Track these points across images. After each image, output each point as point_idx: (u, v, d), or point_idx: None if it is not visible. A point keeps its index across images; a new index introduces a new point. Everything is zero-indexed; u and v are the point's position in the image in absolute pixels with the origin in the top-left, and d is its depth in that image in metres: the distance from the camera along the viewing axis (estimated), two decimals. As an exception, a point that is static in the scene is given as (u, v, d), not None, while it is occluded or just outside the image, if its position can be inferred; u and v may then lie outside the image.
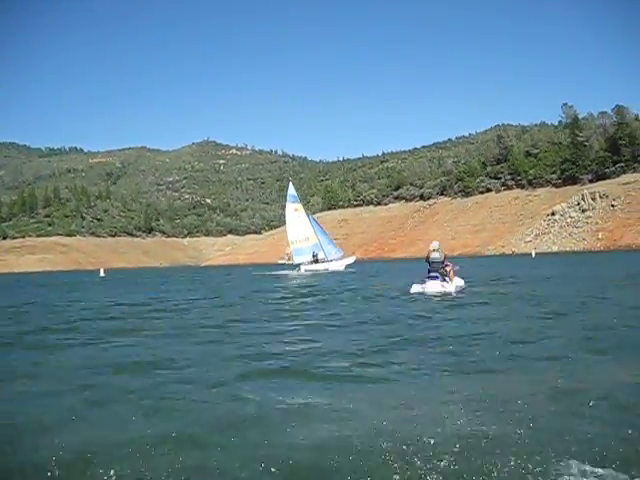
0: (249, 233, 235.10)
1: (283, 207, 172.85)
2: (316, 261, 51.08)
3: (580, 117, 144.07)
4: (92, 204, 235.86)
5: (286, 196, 55.65)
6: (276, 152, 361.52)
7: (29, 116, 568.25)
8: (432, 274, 19.47)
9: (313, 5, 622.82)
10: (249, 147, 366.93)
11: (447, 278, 19.49)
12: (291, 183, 58.28)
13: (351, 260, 54.78)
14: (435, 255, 19.60)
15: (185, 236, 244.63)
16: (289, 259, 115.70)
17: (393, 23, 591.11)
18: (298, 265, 50.93)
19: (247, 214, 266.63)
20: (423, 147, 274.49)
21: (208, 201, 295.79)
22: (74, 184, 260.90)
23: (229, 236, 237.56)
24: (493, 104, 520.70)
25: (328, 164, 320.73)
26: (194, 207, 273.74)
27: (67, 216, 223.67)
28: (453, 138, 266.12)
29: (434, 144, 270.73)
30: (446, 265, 19.75)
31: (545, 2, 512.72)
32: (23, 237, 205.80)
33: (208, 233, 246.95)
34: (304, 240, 52.40)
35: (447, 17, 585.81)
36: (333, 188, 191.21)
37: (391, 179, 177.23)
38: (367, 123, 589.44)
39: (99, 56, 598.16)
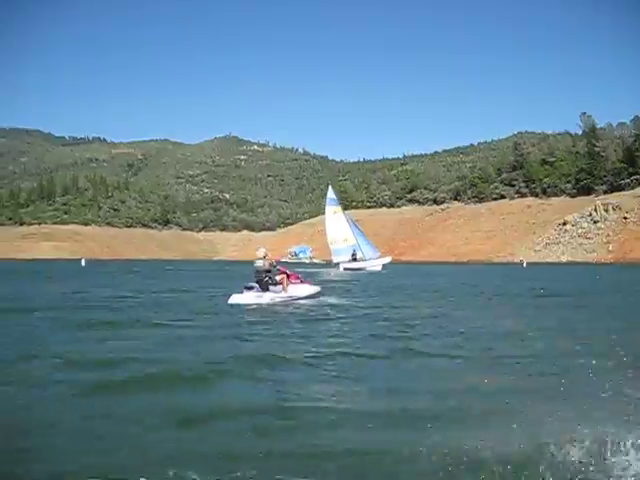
0: (264, 230, 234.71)
1: (300, 205, 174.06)
2: (355, 260, 53.31)
3: (599, 127, 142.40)
4: (110, 194, 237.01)
5: (326, 199, 58.32)
6: (297, 150, 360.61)
7: (54, 104, 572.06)
8: (249, 284, 19.13)
9: (343, 4, 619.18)
10: (270, 144, 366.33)
11: (280, 287, 19.15)
12: (330, 187, 61.32)
13: (387, 260, 56.70)
14: (258, 263, 19.12)
15: (200, 230, 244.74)
16: (290, 258, 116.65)
17: (417, 27, 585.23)
18: (337, 264, 52.84)
19: (263, 210, 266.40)
20: (444, 151, 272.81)
21: (227, 196, 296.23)
22: (94, 174, 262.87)
23: (244, 232, 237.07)
24: (515, 111, 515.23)
25: (348, 164, 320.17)
26: (212, 201, 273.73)
27: (84, 205, 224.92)
28: (475, 143, 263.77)
29: (455, 148, 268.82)
30: (281, 273, 19.40)
31: (569, 11, 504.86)
32: (39, 224, 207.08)
33: (224, 228, 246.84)
34: (342, 241, 55.16)
35: (468, 22, 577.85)
36: (347, 188, 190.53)
37: (406, 181, 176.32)
38: (390, 125, 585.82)
39: (127, 47, 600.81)
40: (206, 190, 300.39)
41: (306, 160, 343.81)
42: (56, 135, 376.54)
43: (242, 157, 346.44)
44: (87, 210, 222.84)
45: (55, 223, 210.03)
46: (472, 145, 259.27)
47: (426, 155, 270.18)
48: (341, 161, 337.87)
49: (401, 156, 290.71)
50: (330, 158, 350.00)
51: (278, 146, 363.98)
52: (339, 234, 55.60)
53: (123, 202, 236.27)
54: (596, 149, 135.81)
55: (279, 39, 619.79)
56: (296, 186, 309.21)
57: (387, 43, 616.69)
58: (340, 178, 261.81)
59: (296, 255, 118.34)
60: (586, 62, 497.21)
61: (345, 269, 51.03)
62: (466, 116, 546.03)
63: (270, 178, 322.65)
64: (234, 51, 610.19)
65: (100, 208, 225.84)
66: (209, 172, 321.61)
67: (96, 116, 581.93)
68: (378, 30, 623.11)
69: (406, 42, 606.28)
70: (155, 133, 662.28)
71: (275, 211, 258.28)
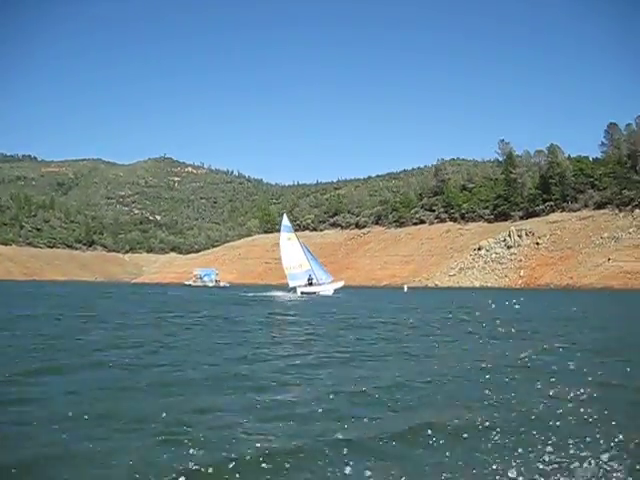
0: (192, 252, 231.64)
1: (232, 228, 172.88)
2: (310, 284, 54.44)
3: (516, 154, 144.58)
4: (33, 213, 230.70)
5: (280, 226, 60.09)
6: (232, 172, 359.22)
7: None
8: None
9: (277, 26, 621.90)
10: (205, 166, 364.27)
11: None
12: (285, 215, 64.08)
13: (339, 285, 58.17)
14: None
15: (127, 252, 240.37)
16: (195, 281, 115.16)
17: (353, 47, 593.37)
18: (294, 288, 54.09)
19: (192, 233, 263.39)
20: (377, 176, 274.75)
21: (158, 217, 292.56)
22: (18, 192, 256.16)
23: (172, 254, 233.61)
24: (451, 138, 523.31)
25: (283, 187, 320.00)
26: (140, 223, 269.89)
27: (5, 224, 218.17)
28: (409, 168, 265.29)
29: (388, 174, 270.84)
30: None
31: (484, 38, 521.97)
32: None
33: (150, 250, 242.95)
34: (298, 266, 55.73)
35: (403, 53, 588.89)
36: (270, 212, 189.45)
37: (329, 206, 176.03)
38: (324, 147, 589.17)
39: (63, 66, 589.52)
40: (136, 211, 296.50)
41: (240, 183, 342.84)
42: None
43: (176, 179, 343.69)
44: (8, 229, 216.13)
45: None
46: (406, 170, 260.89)
47: (359, 180, 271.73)
48: (276, 184, 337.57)
49: (335, 180, 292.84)
50: (265, 181, 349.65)
51: (213, 168, 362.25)
52: (294, 260, 56.42)
53: (47, 222, 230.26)
54: (512, 176, 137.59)
55: (213, 60, 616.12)
56: (229, 209, 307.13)
57: (322, 62, 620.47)
58: (273, 201, 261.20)
59: (201, 278, 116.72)
60: (510, 89, 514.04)
61: (302, 293, 52.60)
62: (402, 141, 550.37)
63: (203, 200, 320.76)
64: (170, 72, 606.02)
65: (22, 227, 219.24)
66: (140, 193, 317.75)
67: (27, 134, 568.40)
68: (314, 49, 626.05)
69: (340, 61, 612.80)
70: (88, 152, 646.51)
71: (204, 233, 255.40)
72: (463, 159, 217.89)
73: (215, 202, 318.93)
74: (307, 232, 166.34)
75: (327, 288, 55.10)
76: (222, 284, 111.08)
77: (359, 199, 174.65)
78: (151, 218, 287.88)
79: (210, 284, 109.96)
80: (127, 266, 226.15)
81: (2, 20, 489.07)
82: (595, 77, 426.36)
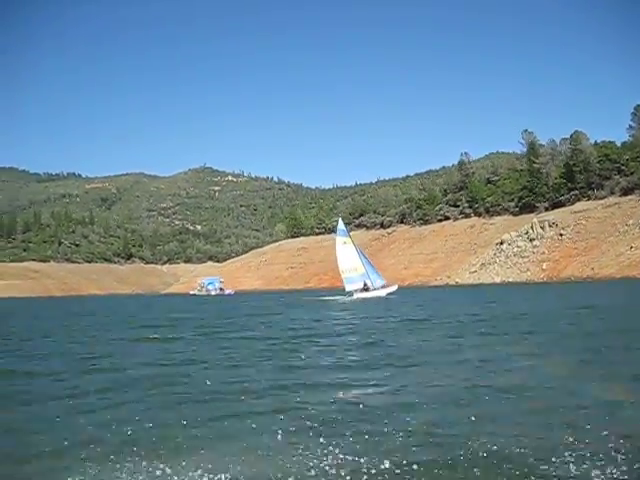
0: (229, 259, 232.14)
1: (270, 234, 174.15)
2: (366, 289, 55.53)
3: (539, 144, 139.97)
4: (72, 230, 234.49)
5: (336, 230, 60.93)
6: (272, 179, 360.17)
7: (30, 141, 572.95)
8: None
9: (311, 30, 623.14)
10: (245, 174, 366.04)
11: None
12: (341, 219, 64.17)
13: (393, 289, 58.98)
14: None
15: (165, 263, 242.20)
16: (200, 290, 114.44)
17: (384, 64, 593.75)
18: (350, 292, 55.23)
19: (229, 241, 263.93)
20: (416, 174, 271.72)
21: (198, 227, 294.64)
22: (64, 209, 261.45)
23: (209, 263, 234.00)
24: (487, 132, 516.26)
25: (323, 191, 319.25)
26: (180, 233, 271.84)
27: (45, 242, 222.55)
28: (450, 165, 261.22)
29: (427, 172, 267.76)
30: None
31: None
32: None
33: (188, 260, 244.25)
34: (353, 270, 56.39)
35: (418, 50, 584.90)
36: (297, 215, 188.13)
37: (354, 207, 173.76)
38: (363, 149, 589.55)
39: (100, 82, 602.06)
40: (177, 222, 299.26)
41: (280, 189, 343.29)
42: (31, 172, 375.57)
43: (216, 188, 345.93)
44: (47, 246, 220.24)
45: (13, 261, 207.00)
46: (445, 167, 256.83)
47: (398, 179, 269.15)
48: (316, 188, 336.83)
49: (374, 181, 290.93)
50: (305, 186, 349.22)
51: (253, 175, 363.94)
52: (349, 264, 56.84)
53: (86, 237, 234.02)
54: (535, 166, 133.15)
55: (249, 66, 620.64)
56: (269, 215, 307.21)
57: (359, 65, 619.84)
58: (312, 205, 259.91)
59: (205, 287, 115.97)
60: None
61: (358, 298, 53.93)
62: (443, 138, 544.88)
63: (243, 208, 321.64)
64: (207, 81, 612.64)
65: (60, 244, 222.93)
66: (182, 204, 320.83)
67: (71, 152, 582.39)
68: (354, 51, 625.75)
69: (378, 66, 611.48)
70: (130, 167, 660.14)
71: (241, 241, 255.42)
72: (491, 153, 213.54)
73: (255, 209, 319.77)
74: (333, 234, 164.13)
75: (381, 293, 56.30)
76: (227, 292, 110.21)
77: (385, 199, 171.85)
78: (191, 228, 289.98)
79: (213, 292, 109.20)
80: (164, 277, 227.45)
81: (45, 37, 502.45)
82: (622, 59, 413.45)
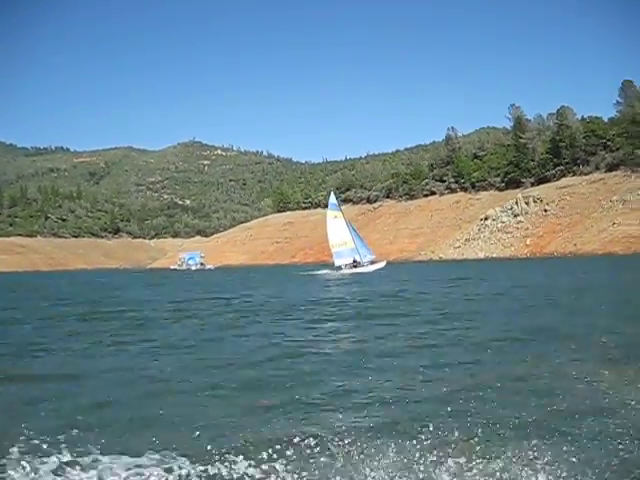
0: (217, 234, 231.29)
1: (258, 209, 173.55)
2: (355, 265, 57.09)
3: (526, 118, 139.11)
4: (59, 204, 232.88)
5: (324, 205, 63.48)
6: (262, 153, 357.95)
7: (17, 115, 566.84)
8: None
9: (298, 8, 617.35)
10: (235, 148, 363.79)
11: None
12: (332, 193, 65.73)
13: (382, 264, 59.59)
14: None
15: (152, 237, 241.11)
16: (180, 265, 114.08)
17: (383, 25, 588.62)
18: (339, 267, 57.07)
19: (218, 215, 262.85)
20: (406, 149, 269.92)
21: (187, 202, 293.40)
22: (50, 184, 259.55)
23: (197, 237, 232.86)
24: (477, 108, 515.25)
25: (312, 165, 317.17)
26: (168, 208, 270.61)
27: (32, 216, 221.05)
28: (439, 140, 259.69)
29: (417, 146, 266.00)
30: None
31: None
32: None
33: (176, 234, 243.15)
34: (342, 244, 58.01)
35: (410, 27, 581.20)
36: (283, 190, 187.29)
37: (342, 181, 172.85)
38: (353, 124, 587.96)
39: (90, 57, 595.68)
40: (166, 197, 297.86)
41: (270, 163, 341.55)
42: (19, 146, 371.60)
43: (205, 162, 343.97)
44: (34, 221, 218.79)
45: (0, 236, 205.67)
46: (435, 142, 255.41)
47: (387, 154, 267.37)
48: (306, 162, 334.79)
49: (364, 155, 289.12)
50: (295, 160, 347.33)
51: (242, 150, 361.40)
52: (339, 238, 58.53)
53: (73, 212, 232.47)
54: (521, 141, 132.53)
55: (240, 42, 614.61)
56: (258, 190, 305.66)
57: (351, 42, 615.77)
58: (301, 180, 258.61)
59: (185, 262, 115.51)
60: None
61: (345, 273, 55.27)
62: (437, 111, 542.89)
63: (232, 182, 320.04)
64: (196, 55, 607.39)
65: (47, 219, 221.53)
66: (170, 178, 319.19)
67: (59, 126, 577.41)
68: (342, 29, 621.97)
69: (369, 43, 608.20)
70: (119, 141, 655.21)
71: (229, 215, 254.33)
72: (481, 128, 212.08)
73: (244, 184, 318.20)
74: (319, 209, 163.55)
75: (369, 269, 56.79)
76: (207, 267, 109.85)
77: (372, 173, 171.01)
78: (180, 203, 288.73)
79: (193, 267, 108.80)
80: (152, 252, 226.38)
81: (31, 15, 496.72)
82: (611, 36, 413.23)
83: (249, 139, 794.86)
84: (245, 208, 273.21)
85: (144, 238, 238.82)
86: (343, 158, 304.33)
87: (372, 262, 59.61)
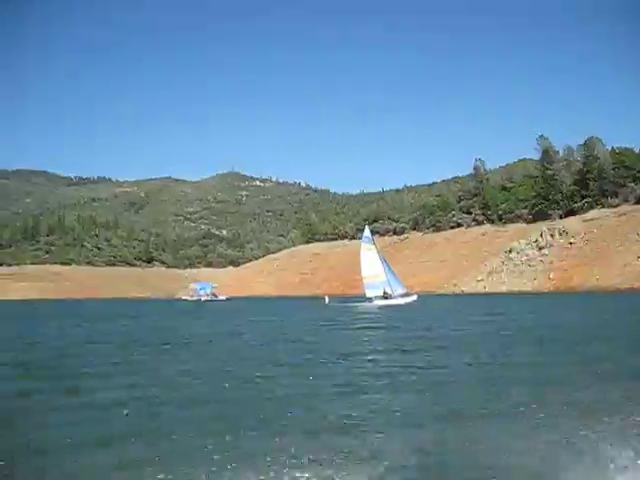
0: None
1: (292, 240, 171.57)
2: (386, 297, 57.62)
3: (555, 149, 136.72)
4: (95, 234, 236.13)
5: (362, 238, 64.13)
6: (299, 184, 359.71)
7: (62, 145, 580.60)
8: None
9: (343, 32, 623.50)
10: (273, 179, 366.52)
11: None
12: (367, 227, 68.22)
13: (413, 298, 60.11)
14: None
15: (186, 267, 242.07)
16: (192, 295, 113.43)
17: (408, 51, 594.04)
18: (370, 298, 58.02)
19: (252, 246, 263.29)
20: (443, 181, 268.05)
21: (224, 232, 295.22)
22: (88, 213, 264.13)
23: (229, 268, 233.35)
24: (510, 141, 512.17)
25: (349, 196, 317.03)
26: (203, 238, 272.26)
27: (68, 245, 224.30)
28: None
29: (453, 178, 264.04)
30: None
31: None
32: (18, 265, 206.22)
33: (209, 264, 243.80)
34: (374, 276, 58.79)
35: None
36: (312, 221, 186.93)
37: (369, 213, 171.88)
38: (391, 155, 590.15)
39: (134, 87, 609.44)
40: (203, 227, 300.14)
41: (307, 194, 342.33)
42: (62, 175, 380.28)
43: (243, 193, 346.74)
44: (70, 250, 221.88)
45: (34, 263, 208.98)
46: (463, 176, 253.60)
47: (423, 185, 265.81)
48: (343, 194, 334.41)
49: (401, 187, 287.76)
50: (332, 191, 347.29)
51: (281, 181, 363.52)
52: (372, 270, 59.39)
53: (108, 241, 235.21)
54: (548, 172, 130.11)
55: (276, 72, 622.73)
56: (294, 221, 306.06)
57: (385, 69, 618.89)
58: (337, 211, 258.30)
59: (197, 292, 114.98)
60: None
61: (379, 306, 56.01)
62: (468, 145, 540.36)
63: (269, 213, 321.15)
64: (235, 86, 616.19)
65: (83, 247, 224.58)
66: (209, 209, 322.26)
67: (103, 156, 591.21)
68: (377, 55, 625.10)
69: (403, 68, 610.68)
70: (159, 171, 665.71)
71: (263, 246, 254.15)
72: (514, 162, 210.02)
73: (281, 214, 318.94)
74: (345, 241, 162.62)
75: (400, 301, 57.48)
76: (220, 297, 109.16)
77: (400, 205, 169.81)
78: (217, 233, 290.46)
79: (203, 298, 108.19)
80: (184, 281, 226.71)
81: (80, 40, 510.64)
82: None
83: (288, 170, 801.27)
84: (280, 239, 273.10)
85: (178, 268, 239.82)
86: (380, 189, 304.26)
87: (403, 295, 59.98)
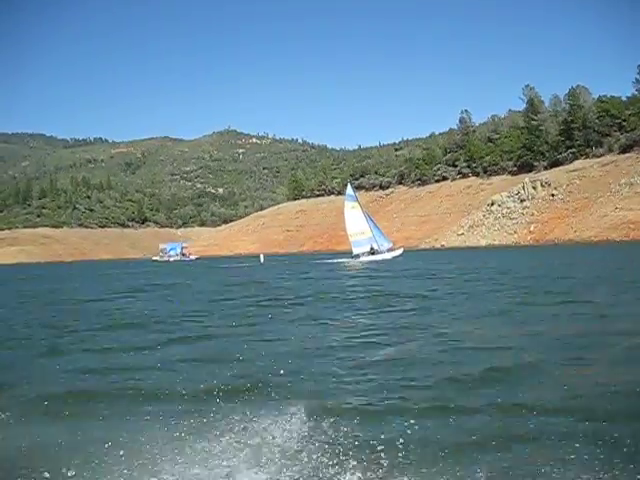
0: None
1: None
2: (373, 253, 58.32)
3: (540, 100, 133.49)
4: (87, 195, 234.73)
5: (341, 192, 65.33)
6: (296, 141, 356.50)
7: (58, 107, 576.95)
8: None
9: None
10: (270, 136, 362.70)
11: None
12: (349, 184, 68.86)
13: (399, 252, 61.36)
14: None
15: (180, 227, 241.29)
16: (162, 256, 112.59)
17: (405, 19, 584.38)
18: (357, 255, 58.57)
19: (246, 204, 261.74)
20: (440, 134, 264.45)
21: (220, 190, 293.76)
22: (82, 175, 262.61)
23: (223, 226, 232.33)
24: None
25: (346, 152, 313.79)
26: (198, 197, 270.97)
27: (60, 207, 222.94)
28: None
29: (442, 133, 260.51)
30: None
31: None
32: (9, 229, 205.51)
33: (202, 223, 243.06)
34: (360, 233, 59.41)
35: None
36: (298, 178, 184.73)
37: (355, 168, 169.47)
38: (387, 110, 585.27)
39: (124, 47, 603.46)
40: (199, 186, 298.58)
41: (304, 150, 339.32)
42: (58, 138, 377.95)
43: (240, 150, 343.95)
44: (62, 212, 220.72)
45: (26, 227, 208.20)
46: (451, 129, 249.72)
47: (421, 139, 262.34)
48: (340, 149, 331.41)
49: (398, 141, 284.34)
50: (329, 147, 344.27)
51: (278, 137, 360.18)
52: (357, 227, 60.02)
53: (101, 202, 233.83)
54: (534, 123, 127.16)
55: (271, 30, 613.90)
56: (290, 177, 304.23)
57: (376, 31, 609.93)
58: (334, 167, 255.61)
59: (166, 252, 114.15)
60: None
61: (364, 261, 56.97)
62: (463, 98, 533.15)
63: (266, 170, 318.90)
64: (231, 43, 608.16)
65: (75, 209, 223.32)
66: (204, 167, 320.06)
67: (98, 117, 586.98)
68: (371, 21, 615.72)
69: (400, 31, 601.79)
70: (155, 131, 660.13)
71: (257, 203, 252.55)
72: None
73: (278, 171, 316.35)
74: (332, 197, 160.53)
75: (386, 256, 58.36)
76: (191, 257, 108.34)
77: (386, 159, 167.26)
78: (212, 191, 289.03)
79: (172, 259, 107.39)
80: (178, 241, 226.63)
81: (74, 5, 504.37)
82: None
83: (285, 127, 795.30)
84: (274, 195, 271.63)
85: (171, 227, 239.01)
86: (377, 144, 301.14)
87: (389, 250, 60.78)
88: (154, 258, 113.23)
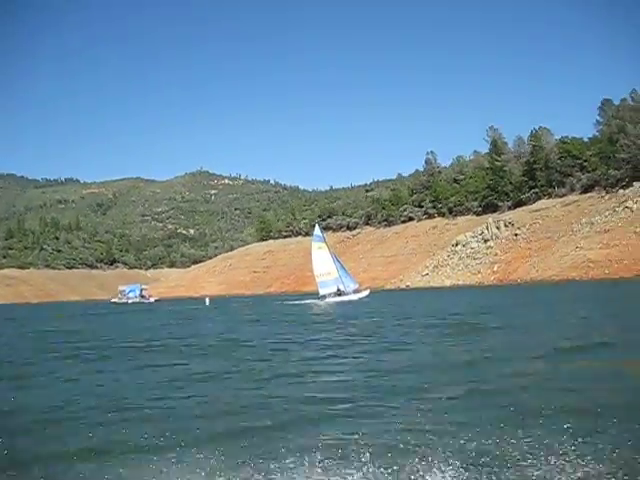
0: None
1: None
2: (339, 294, 58.94)
3: (503, 141, 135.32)
4: (55, 236, 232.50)
5: (308, 234, 65.65)
6: (269, 182, 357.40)
7: (29, 147, 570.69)
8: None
9: (310, 31, 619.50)
10: (242, 177, 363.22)
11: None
12: (317, 225, 70.39)
13: (365, 293, 62.04)
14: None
15: (149, 268, 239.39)
16: (120, 298, 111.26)
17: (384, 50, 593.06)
18: (323, 296, 58.83)
19: (216, 244, 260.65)
20: (407, 175, 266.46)
21: (191, 231, 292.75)
22: (51, 216, 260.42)
23: (193, 267, 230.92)
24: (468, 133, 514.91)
25: (318, 193, 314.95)
26: (169, 237, 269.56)
27: (27, 248, 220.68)
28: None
29: (417, 171, 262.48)
30: None
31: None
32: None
33: (172, 264, 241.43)
34: (327, 274, 60.01)
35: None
36: (266, 219, 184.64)
37: (323, 209, 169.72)
38: (358, 151, 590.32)
39: (98, 87, 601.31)
40: (170, 226, 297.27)
41: (276, 192, 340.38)
42: (29, 178, 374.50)
43: (212, 191, 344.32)
44: (29, 253, 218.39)
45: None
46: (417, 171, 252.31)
47: (390, 180, 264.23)
48: (312, 190, 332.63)
49: (369, 182, 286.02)
50: (301, 188, 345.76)
51: (250, 178, 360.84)
52: (323, 268, 60.57)
53: (69, 243, 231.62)
54: (497, 164, 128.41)
55: (244, 70, 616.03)
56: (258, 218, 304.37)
57: (344, 66, 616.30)
58: (305, 208, 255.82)
59: (125, 294, 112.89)
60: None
61: (329, 302, 57.26)
62: (437, 139, 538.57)
63: (237, 211, 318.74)
64: (203, 84, 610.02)
65: (42, 250, 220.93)
66: (176, 208, 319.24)
67: (70, 157, 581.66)
68: (341, 58, 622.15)
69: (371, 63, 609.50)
70: (128, 172, 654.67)
71: (227, 244, 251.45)
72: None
73: (250, 212, 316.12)
74: (300, 237, 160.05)
75: (352, 297, 58.92)
76: (151, 299, 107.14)
77: (354, 200, 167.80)
78: (183, 232, 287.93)
79: (131, 301, 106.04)
80: (147, 282, 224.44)
81: (47, 44, 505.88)
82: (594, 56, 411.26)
83: (258, 168, 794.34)
84: (244, 236, 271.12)
85: (140, 268, 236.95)
86: (349, 185, 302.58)
87: (356, 291, 61.31)
88: (113, 300, 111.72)
